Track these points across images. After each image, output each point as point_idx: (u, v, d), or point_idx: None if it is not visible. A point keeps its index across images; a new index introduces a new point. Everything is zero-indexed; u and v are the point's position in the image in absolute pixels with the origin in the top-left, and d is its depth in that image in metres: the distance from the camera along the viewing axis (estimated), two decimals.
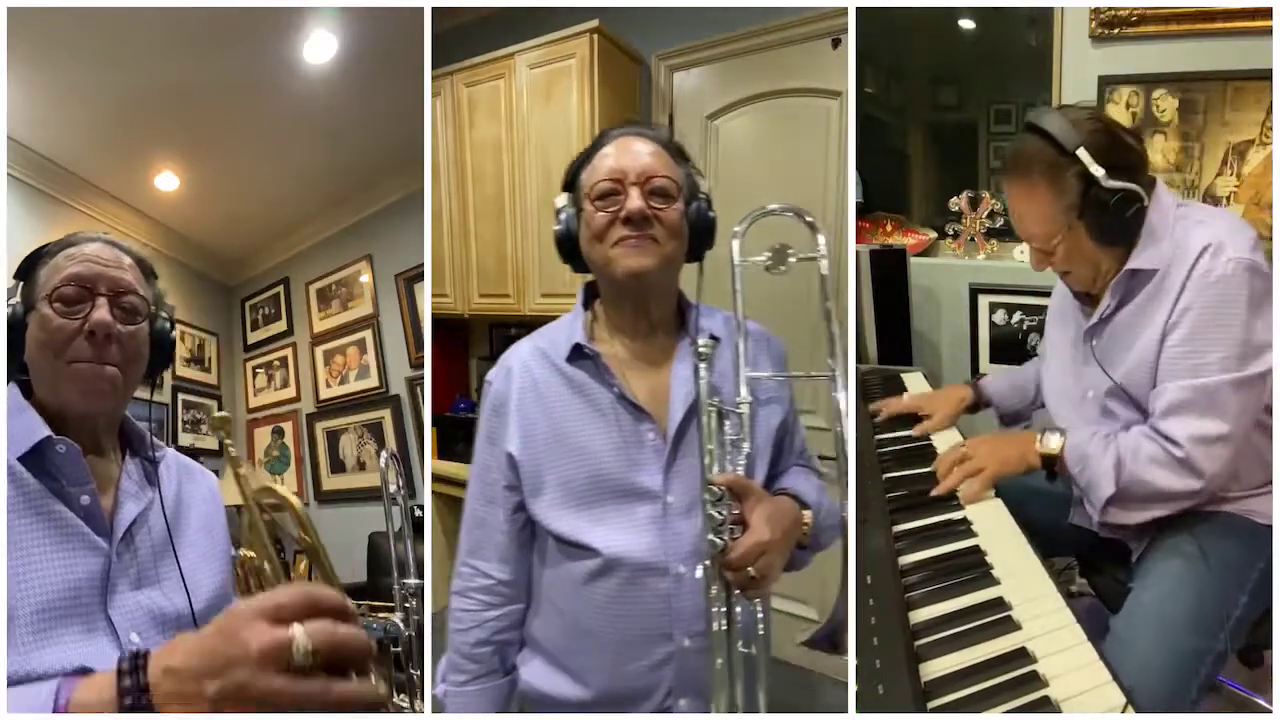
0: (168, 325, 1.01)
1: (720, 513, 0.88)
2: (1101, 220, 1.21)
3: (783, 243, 1.04)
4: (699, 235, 1.06)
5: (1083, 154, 1.18)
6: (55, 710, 0.61)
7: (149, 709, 0.58)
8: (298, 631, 0.56)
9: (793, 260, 1.04)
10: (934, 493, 1.33)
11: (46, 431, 0.86)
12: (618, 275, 1.00)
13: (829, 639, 0.88)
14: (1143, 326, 1.25)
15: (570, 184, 1.08)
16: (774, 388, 1.11)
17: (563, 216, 1.07)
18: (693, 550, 0.97)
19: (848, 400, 0.97)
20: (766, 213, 1.06)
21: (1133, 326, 1.27)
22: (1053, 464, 1.31)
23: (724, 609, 0.88)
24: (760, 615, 0.93)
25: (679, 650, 0.98)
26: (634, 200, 0.99)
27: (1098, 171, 1.18)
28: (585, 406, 1.04)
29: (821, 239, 1.02)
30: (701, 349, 0.96)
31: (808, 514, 1.02)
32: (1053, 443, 1.30)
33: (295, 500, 0.73)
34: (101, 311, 0.90)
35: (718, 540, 0.87)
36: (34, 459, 0.85)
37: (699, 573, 0.91)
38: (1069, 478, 1.32)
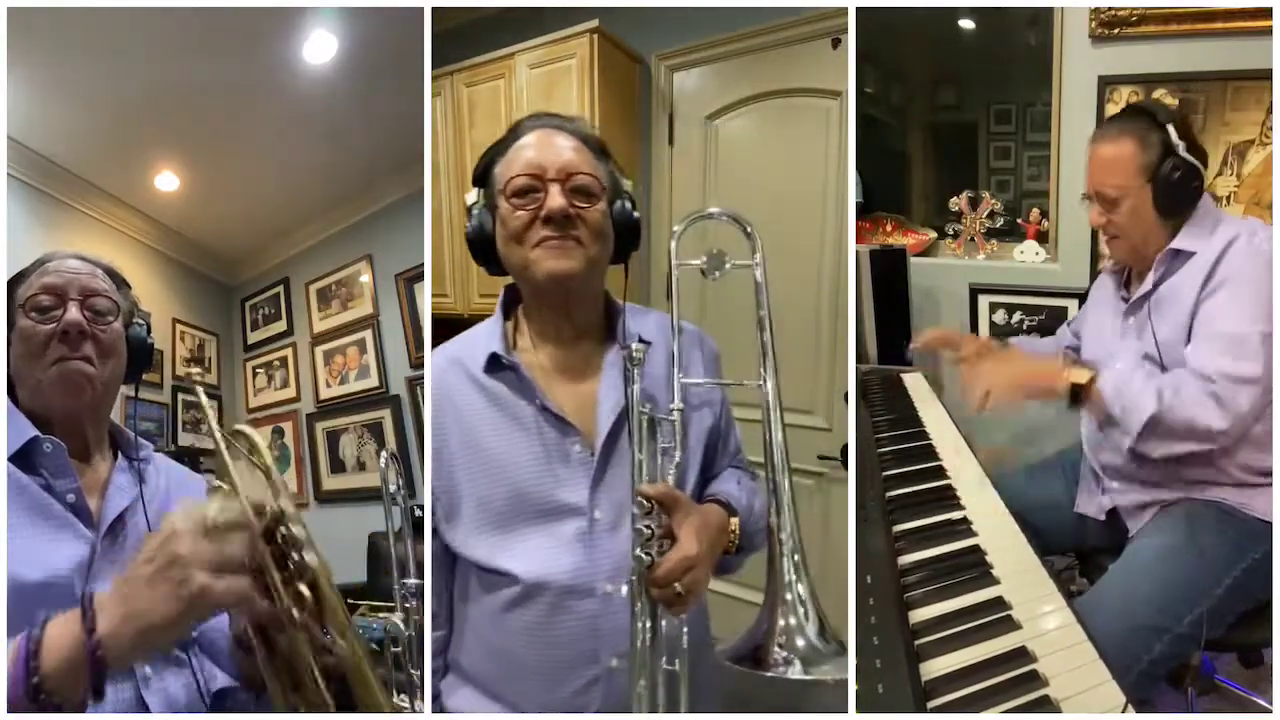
0: (143, 329, 1.07)
1: (649, 526, 0.83)
2: (1167, 187, 1.38)
3: (719, 249, 0.99)
4: (624, 237, 1.01)
5: (1170, 129, 1.37)
6: (29, 645, 0.65)
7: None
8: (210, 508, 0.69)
9: (729, 267, 0.99)
10: (956, 359, 1.45)
11: (34, 431, 0.92)
12: (539, 279, 0.94)
13: (751, 654, 0.78)
14: (1178, 300, 1.39)
15: (481, 179, 1.01)
16: (705, 391, 1.05)
17: (475, 213, 1.00)
18: (620, 567, 0.91)
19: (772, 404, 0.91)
20: (703, 216, 1.02)
21: (1170, 300, 1.41)
22: (1079, 394, 1.37)
23: (649, 625, 0.83)
24: (685, 631, 0.88)
25: (605, 672, 0.93)
26: (555, 198, 0.92)
27: (1178, 142, 1.37)
28: (505, 420, 0.97)
29: (759, 247, 0.97)
30: (634, 353, 0.89)
31: (734, 520, 0.97)
32: (1082, 372, 1.38)
33: (253, 432, 0.79)
34: (73, 312, 0.96)
35: (644, 556, 0.82)
36: (22, 460, 0.91)
37: (624, 590, 0.85)
38: (1092, 411, 1.42)
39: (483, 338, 1.02)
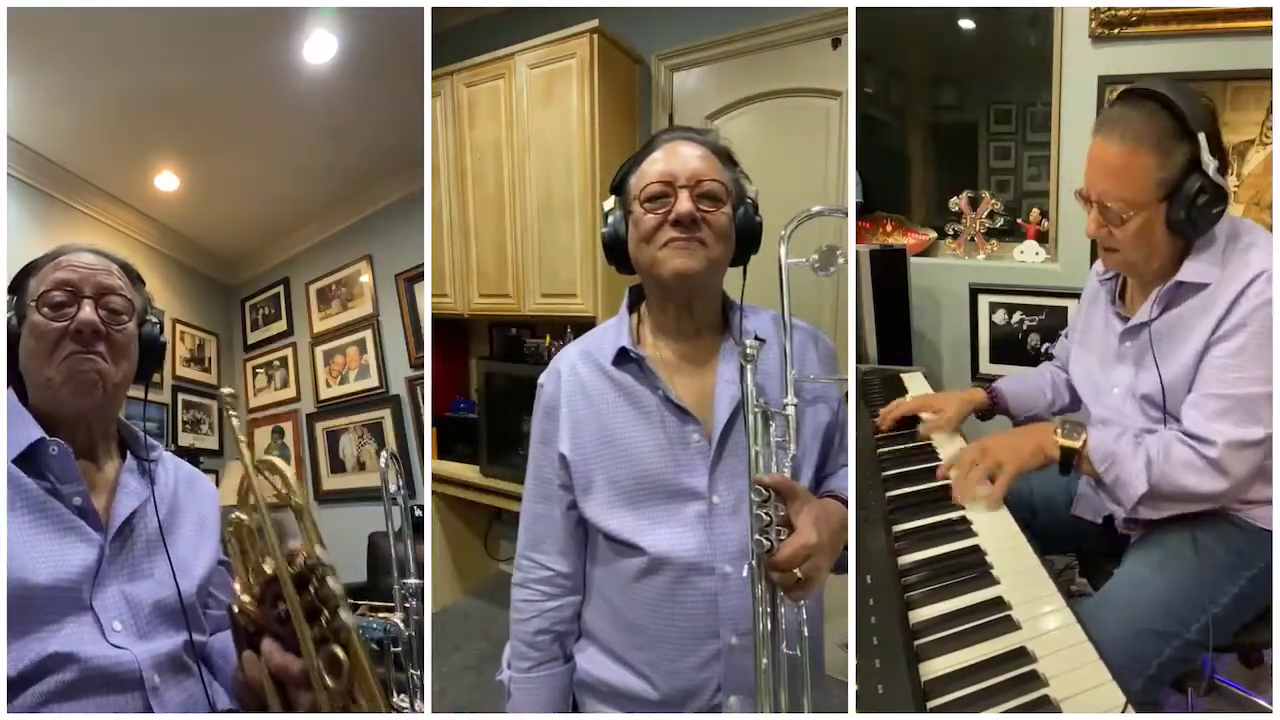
0: (156, 328, 1.04)
1: (767, 513, 0.88)
2: (1188, 209, 1.17)
3: (831, 244, 1.06)
4: (745, 240, 1.08)
5: (1203, 139, 1.15)
6: None
7: None
8: None
9: (841, 261, 1.07)
10: (955, 498, 1.29)
11: (40, 433, 0.89)
12: (665, 276, 1.02)
13: None
14: (1184, 337, 1.24)
15: (619, 187, 1.11)
16: (821, 387, 1.10)
17: (610, 219, 1.09)
18: (739, 550, 0.99)
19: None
20: (810, 215, 1.09)
21: (1173, 335, 1.27)
22: (1071, 458, 1.28)
23: (769, 610, 0.88)
24: (804, 619, 0.92)
25: (726, 648, 1.00)
26: (683, 203, 1.00)
27: (1209, 161, 1.15)
28: (631, 408, 1.06)
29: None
30: (748, 350, 0.96)
31: None
32: (1074, 436, 1.28)
33: (286, 467, 0.71)
34: (87, 311, 0.93)
35: (764, 540, 0.87)
36: (29, 462, 0.88)
37: (745, 572, 0.91)
38: (1085, 474, 1.32)
39: (611, 333, 1.11)
